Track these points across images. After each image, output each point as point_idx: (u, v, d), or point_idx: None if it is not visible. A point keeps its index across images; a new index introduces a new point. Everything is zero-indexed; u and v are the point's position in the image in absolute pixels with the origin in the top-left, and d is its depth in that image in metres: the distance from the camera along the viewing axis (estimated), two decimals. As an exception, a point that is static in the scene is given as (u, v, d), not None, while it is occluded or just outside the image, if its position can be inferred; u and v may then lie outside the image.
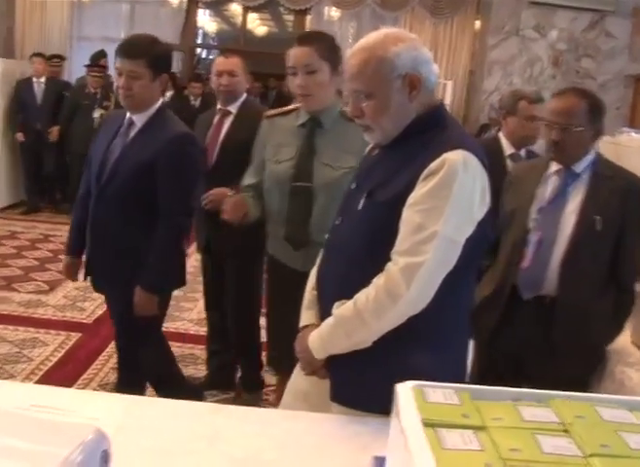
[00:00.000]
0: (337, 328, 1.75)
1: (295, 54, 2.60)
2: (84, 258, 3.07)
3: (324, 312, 1.85)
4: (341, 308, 1.75)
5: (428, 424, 1.08)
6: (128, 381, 3.10)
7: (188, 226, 2.99)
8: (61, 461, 1.09)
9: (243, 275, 3.54)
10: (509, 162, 3.45)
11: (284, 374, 2.70)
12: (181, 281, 3.07)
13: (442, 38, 9.65)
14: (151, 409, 1.68)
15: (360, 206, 1.78)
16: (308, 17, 10.48)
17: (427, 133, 1.73)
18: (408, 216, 1.66)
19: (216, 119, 3.53)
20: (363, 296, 1.70)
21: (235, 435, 1.57)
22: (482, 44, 9.29)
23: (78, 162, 7.92)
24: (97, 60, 8.53)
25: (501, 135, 3.55)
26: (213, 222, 3.20)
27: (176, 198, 2.83)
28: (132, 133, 2.87)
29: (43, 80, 8.15)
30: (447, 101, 8.74)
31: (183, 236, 2.99)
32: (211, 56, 8.94)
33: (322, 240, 2.06)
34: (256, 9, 10.48)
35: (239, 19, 10.85)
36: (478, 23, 9.63)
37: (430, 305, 1.67)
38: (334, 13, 10.26)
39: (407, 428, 1.08)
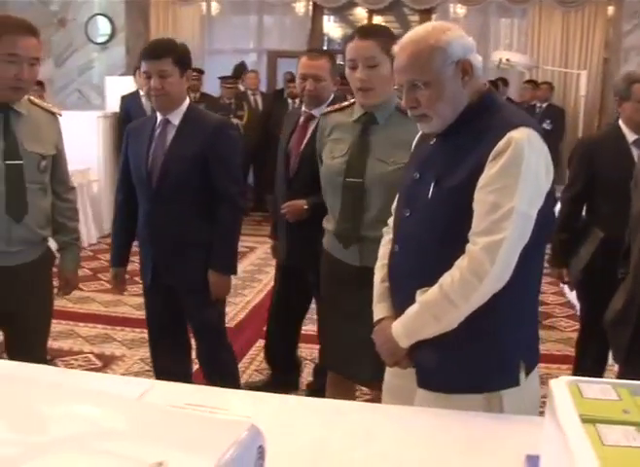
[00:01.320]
0: (425, 313, 1.78)
1: (356, 47, 2.57)
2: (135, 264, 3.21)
3: (399, 303, 1.89)
4: (426, 294, 1.77)
5: (587, 420, 1.05)
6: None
7: (244, 206, 3.15)
8: (219, 456, 1.13)
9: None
10: (634, 150, 3.31)
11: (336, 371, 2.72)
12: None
13: (572, 27, 9.36)
14: (300, 407, 1.72)
15: (430, 195, 1.81)
16: (434, 17, 10.40)
17: (483, 117, 1.79)
18: (482, 197, 1.71)
19: (301, 121, 3.46)
20: (448, 279, 1.73)
21: (384, 432, 1.57)
22: (617, 30, 8.93)
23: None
24: (239, 73, 8.81)
25: (621, 123, 3.40)
26: (292, 234, 3.28)
27: (231, 181, 2.99)
28: (172, 132, 2.97)
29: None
30: (582, 92, 8.46)
31: (242, 217, 3.16)
32: (340, 63, 9.07)
33: (374, 236, 2.13)
34: (381, 11, 10.49)
35: (364, 23, 10.90)
36: (610, 9, 9.27)
37: (506, 283, 1.71)
38: (459, 10, 10.13)
39: (564, 425, 1.06)
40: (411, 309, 1.81)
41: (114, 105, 7.59)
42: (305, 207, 3.22)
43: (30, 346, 2.73)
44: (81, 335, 4.76)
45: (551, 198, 1.79)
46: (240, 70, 8.86)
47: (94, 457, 1.17)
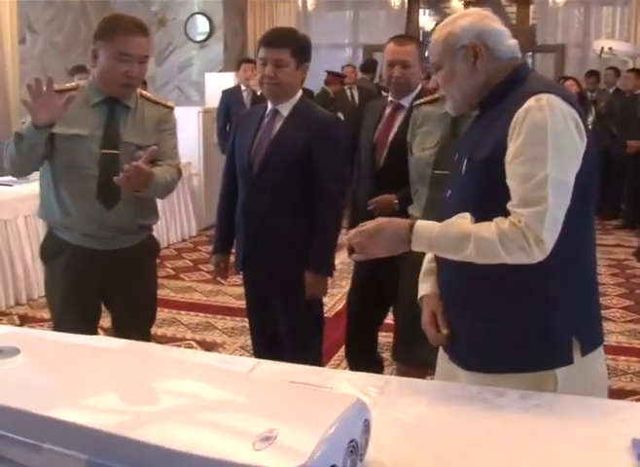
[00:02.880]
0: (466, 240, 1.68)
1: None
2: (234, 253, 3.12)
3: (442, 283, 1.88)
4: (483, 227, 1.67)
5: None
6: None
7: (344, 205, 3.00)
8: (326, 428, 1.16)
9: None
10: None
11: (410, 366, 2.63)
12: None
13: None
14: (404, 387, 1.73)
15: (463, 171, 1.82)
16: (532, 7, 10.20)
17: (513, 90, 1.78)
18: (512, 170, 1.67)
19: (387, 111, 3.32)
20: (507, 227, 1.63)
21: (483, 414, 1.58)
22: None
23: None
24: (372, 68, 8.93)
25: None
26: None
27: (334, 179, 2.87)
28: (279, 123, 2.91)
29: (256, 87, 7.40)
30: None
31: (342, 216, 3.01)
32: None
33: None
34: (476, 3, 10.32)
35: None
36: None
37: (552, 254, 1.64)
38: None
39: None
40: (457, 223, 1.73)
41: (213, 101, 7.75)
42: (396, 201, 3.10)
43: (132, 332, 2.67)
44: (183, 322, 4.92)
45: (590, 158, 1.71)
46: (373, 65, 8.94)
47: (202, 428, 1.22)
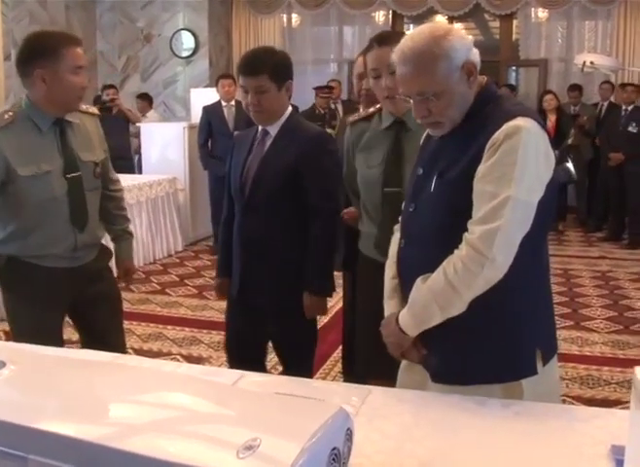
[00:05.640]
0: (430, 302, 1.79)
1: (377, 56, 2.53)
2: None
3: (408, 296, 1.89)
4: (431, 283, 1.79)
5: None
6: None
7: (339, 223, 2.94)
8: (308, 437, 1.18)
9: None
10: None
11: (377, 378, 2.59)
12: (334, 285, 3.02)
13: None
14: (388, 397, 1.75)
15: (432, 189, 1.84)
16: (515, 22, 10.29)
17: (484, 110, 1.82)
18: (480, 188, 1.73)
19: None
20: (451, 268, 1.74)
21: (464, 422, 1.60)
22: None
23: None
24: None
25: None
26: (351, 240, 3.07)
27: (325, 197, 2.81)
28: (268, 143, 2.86)
29: (233, 103, 7.37)
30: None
31: (338, 234, 2.93)
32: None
33: None
34: (461, 18, 10.44)
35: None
36: None
37: (513, 271, 1.72)
38: (541, 14, 10.00)
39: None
40: (416, 298, 1.83)
41: (198, 117, 7.78)
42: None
43: (106, 343, 2.71)
44: (169, 337, 4.92)
45: (551, 189, 1.78)
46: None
47: (187, 438, 1.23)
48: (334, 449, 1.23)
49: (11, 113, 2.66)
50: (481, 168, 1.74)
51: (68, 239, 2.71)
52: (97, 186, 2.83)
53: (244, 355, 3.00)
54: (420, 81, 1.79)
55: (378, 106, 2.72)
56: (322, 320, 5.08)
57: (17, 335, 2.79)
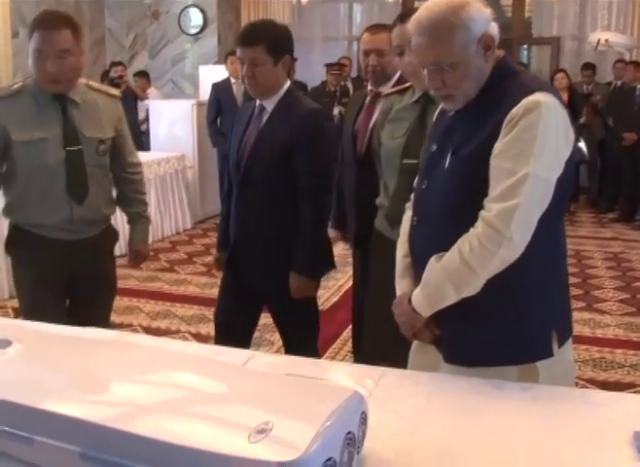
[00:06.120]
0: (445, 281, 1.75)
1: (400, 33, 2.52)
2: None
3: (420, 275, 1.84)
4: (445, 262, 1.74)
5: None
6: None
7: (330, 203, 2.92)
8: (323, 420, 1.15)
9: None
10: None
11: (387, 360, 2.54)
12: (331, 264, 3.03)
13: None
14: (400, 379, 1.71)
15: (446, 165, 1.79)
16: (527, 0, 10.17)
17: (501, 85, 1.76)
18: (497, 164, 1.68)
19: (367, 100, 3.27)
20: (466, 247, 1.70)
21: (481, 405, 1.56)
22: None
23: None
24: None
25: None
26: (363, 217, 3.08)
27: (316, 175, 2.77)
28: (265, 118, 2.84)
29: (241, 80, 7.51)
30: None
31: (327, 214, 2.92)
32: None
33: None
34: (473, -5, 10.29)
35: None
36: None
37: (530, 251, 1.68)
38: (554, -10, 9.87)
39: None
40: (430, 277, 1.79)
41: (207, 94, 7.69)
42: None
43: (93, 317, 2.79)
44: (177, 315, 4.88)
45: (569, 166, 1.73)
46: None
47: (197, 420, 1.20)
48: (348, 433, 1.19)
49: (20, 84, 2.77)
50: (499, 145, 1.69)
51: (64, 211, 2.74)
52: (103, 163, 2.85)
53: (230, 330, 3.01)
54: (436, 50, 1.74)
55: None
56: (331, 299, 5.08)
57: (21, 308, 2.91)
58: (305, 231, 2.79)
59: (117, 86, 7.67)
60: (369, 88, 3.32)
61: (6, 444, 1.27)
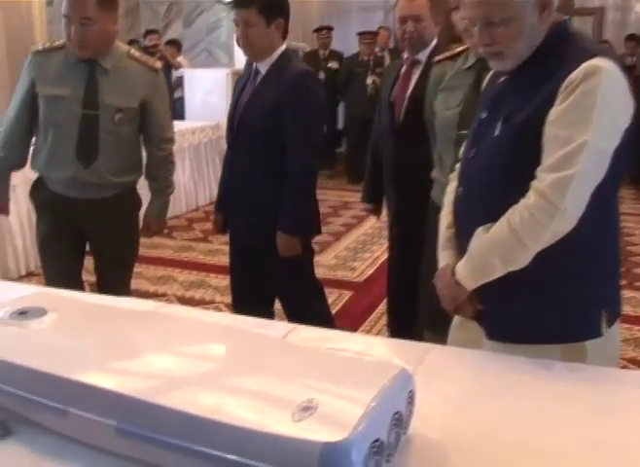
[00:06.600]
0: (491, 253, 1.67)
1: None
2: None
3: (464, 248, 1.76)
4: (493, 233, 1.67)
5: None
6: None
7: (316, 165, 2.92)
8: (370, 399, 1.09)
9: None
10: None
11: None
12: (316, 228, 3.06)
13: None
14: (445, 355, 1.65)
15: (497, 132, 1.71)
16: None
17: (558, 49, 1.67)
18: (552, 132, 1.59)
19: (403, 69, 3.21)
20: (517, 217, 1.62)
21: (529, 385, 1.49)
22: None
23: (354, 127, 8.17)
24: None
25: None
26: (403, 190, 3.07)
27: (302, 136, 2.79)
28: (258, 80, 2.87)
29: None
30: None
31: (314, 177, 2.94)
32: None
33: None
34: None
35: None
36: None
37: (583, 223, 1.60)
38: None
39: None
40: (476, 249, 1.71)
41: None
42: None
43: (110, 282, 2.91)
44: (212, 285, 4.87)
45: (628, 136, 1.63)
46: None
47: (238, 396, 1.15)
48: (396, 413, 1.14)
49: (59, 43, 2.86)
50: (555, 111, 1.60)
51: (69, 170, 2.81)
52: (118, 132, 2.86)
53: (244, 294, 3.14)
54: (490, 4, 1.65)
55: (466, 46, 2.60)
56: (366, 272, 5.03)
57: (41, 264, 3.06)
58: (290, 190, 2.82)
59: (151, 55, 7.64)
60: (405, 55, 3.25)
61: (40, 415, 1.23)
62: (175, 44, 9.21)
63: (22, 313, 1.41)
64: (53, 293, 1.86)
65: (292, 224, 2.86)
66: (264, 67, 2.86)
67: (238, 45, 2.86)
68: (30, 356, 1.26)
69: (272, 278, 3.05)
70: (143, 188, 3.14)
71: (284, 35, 2.88)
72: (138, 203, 3.10)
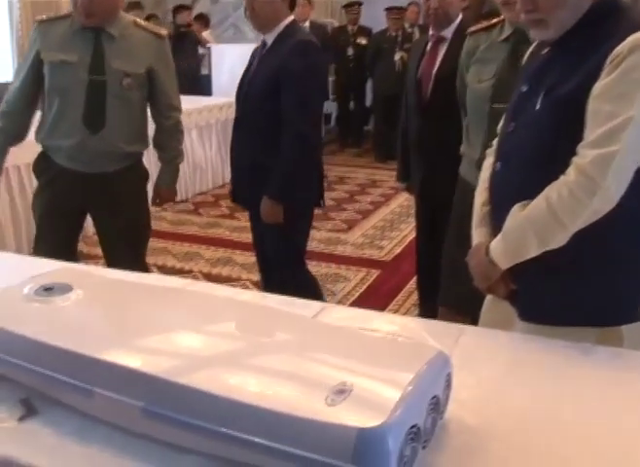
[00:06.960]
0: (528, 231, 1.60)
1: None
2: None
3: (500, 226, 1.70)
4: (530, 210, 1.60)
5: None
6: None
7: (312, 136, 2.90)
8: (407, 382, 1.04)
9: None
10: None
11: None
12: (314, 200, 3.10)
13: None
14: (481, 337, 1.60)
15: (538, 106, 1.63)
16: None
17: (605, 21, 1.59)
18: (596, 106, 1.52)
19: (429, 46, 3.20)
20: (554, 194, 1.55)
21: (564, 368, 1.43)
22: None
23: (381, 104, 8.10)
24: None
25: None
26: (429, 167, 3.04)
27: (298, 105, 2.79)
28: (264, 53, 2.90)
29: (307, 24, 7.37)
30: None
31: (309, 148, 2.91)
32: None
33: None
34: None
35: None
36: None
37: (624, 202, 1.53)
38: None
39: None
40: (511, 227, 1.65)
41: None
42: None
43: (123, 257, 2.85)
44: (238, 262, 4.83)
45: None
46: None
47: (270, 377, 1.10)
48: (433, 397, 1.09)
49: (67, 12, 2.88)
50: (599, 85, 1.52)
51: (76, 137, 2.77)
52: (127, 97, 2.84)
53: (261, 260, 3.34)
54: None
55: (502, 17, 2.53)
56: (394, 250, 4.97)
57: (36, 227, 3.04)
58: (282, 159, 2.83)
59: (184, 34, 7.60)
60: (430, 32, 3.22)
61: (65, 394, 1.20)
62: (203, 19, 9.12)
63: (48, 289, 1.37)
64: (78, 268, 1.83)
65: (275, 190, 2.89)
66: (270, 38, 2.87)
67: (245, 16, 2.88)
68: (55, 334, 1.22)
69: (266, 248, 3.19)
70: (149, 163, 3.17)
71: (291, 6, 2.88)
72: (146, 175, 3.10)
